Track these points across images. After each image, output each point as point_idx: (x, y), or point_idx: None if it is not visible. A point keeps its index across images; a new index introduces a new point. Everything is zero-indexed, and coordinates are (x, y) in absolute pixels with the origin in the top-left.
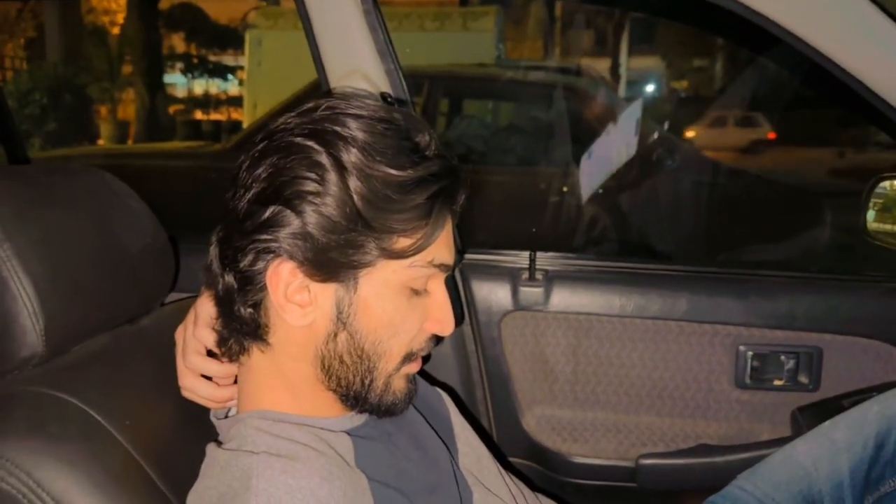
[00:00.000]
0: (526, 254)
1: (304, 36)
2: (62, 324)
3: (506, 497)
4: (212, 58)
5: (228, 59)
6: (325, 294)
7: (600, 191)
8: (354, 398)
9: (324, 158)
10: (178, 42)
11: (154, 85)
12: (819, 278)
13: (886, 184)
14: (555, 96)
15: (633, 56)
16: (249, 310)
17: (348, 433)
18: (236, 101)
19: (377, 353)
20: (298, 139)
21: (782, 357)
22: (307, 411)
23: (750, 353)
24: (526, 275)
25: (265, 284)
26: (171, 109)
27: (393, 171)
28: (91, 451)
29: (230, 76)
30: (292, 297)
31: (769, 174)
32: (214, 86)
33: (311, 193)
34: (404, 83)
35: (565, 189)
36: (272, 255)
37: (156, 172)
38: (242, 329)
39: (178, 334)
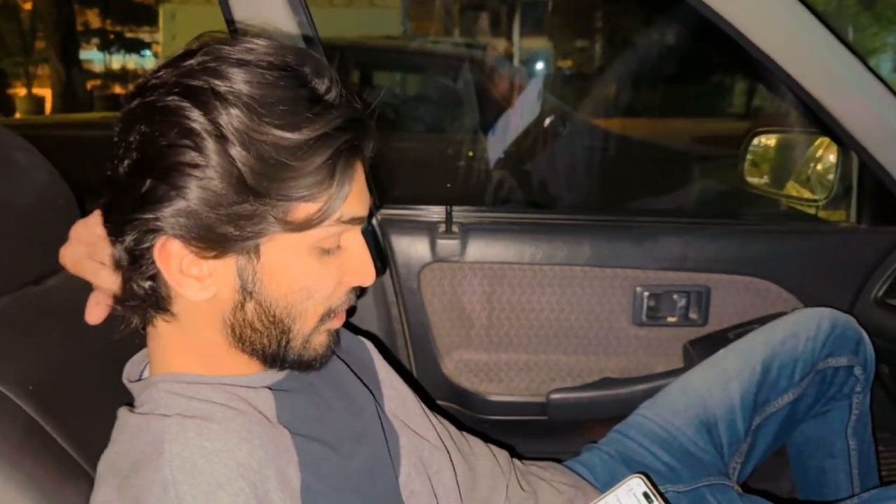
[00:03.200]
0: (442, 208)
1: (215, 8)
2: None
3: (432, 438)
4: (128, 34)
5: (144, 35)
6: (225, 265)
7: (506, 155)
8: (272, 358)
9: (199, 124)
10: (93, 18)
11: (69, 60)
12: (707, 223)
13: (756, 140)
14: (462, 69)
15: (524, 37)
16: (147, 282)
17: (269, 388)
18: None
19: (291, 316)
20: (171, 100)
21: (675, 296)
22: (223, 371)
23: (646, 294)
24: (443, 228)
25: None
26: (89, 85)
27: (285, 134)
28: None
29: (146, 51)
30: (187, 271)
31: (649, 140)
32: (132, 61)
33: (189, 165)
34: (318, 35)
35: (471, 154)
36: (156, 233)
37: (73, 142)
38: (142, 304)
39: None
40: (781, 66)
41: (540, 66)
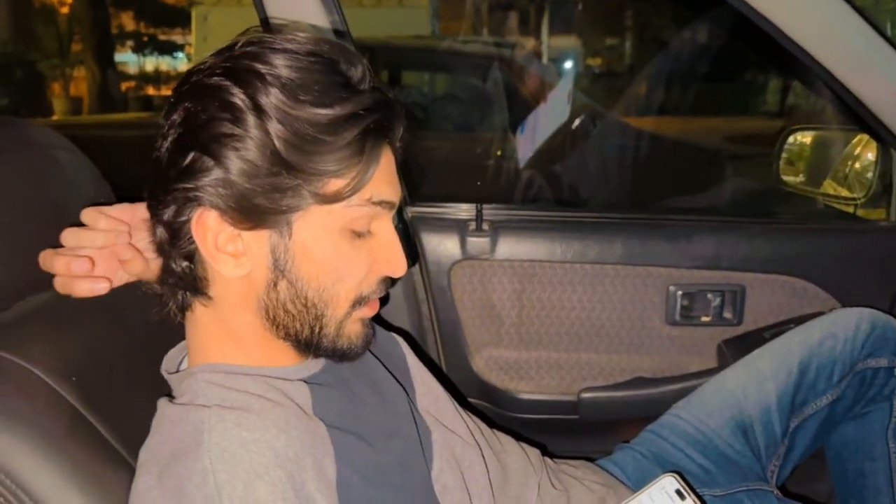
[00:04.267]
0: (472, 206)
1: (246, 10)
2: (1, 279)
3: (464, 434)
4: (161, 36)
5: (177, 37)
6: (259, 242)
7: (535, 154)
8: (306, 345)
9: (239, 99)
10: (127, 21)
11: (105, 62)
12: (742, 222)
13: (792, 138)
14: (491, 68)
15: (553, 35)
16: (184, 262)
17: (305, 381)
18: None
19: (323, 300)
20: (214, 80)
21: (709, 295)
22: (260, 362)
23: (679, 293)
24: (473, 226)
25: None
26: (124, 86)
27: (319, 111)
28: (32, 409)
29: (179, 53)
30: (223, 247)
31: (680, 139)
32: (165, 63)
33: (228, 136)
34: (350, 34)
35: (500, 153)
36: (195, 204)
37: (109, 141)
38: (179, 283)
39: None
40: (819, 62)
41: (569, 64)
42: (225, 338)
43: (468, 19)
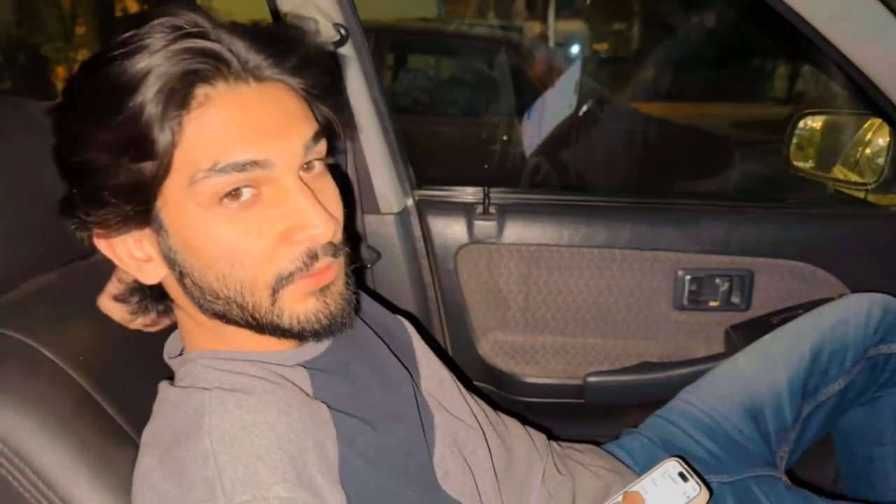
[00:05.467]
0: (479, 190)
1: None
2: (6, 260)
3: (467, 418)
4: None
5: None
6: (150, 243)
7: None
8: (260, 329)
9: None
10: (131, 4)
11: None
12: (751, 206)
13: (802, 122)
14: (498, 52)
15: (559, 20)
16: (133, 281)
17: (303, 366)
18: None
19: (232, 287)
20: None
21: (717, 280)
22: (251, 348)
23: (687, 277)
24: (480, 209)
25: None
26: None
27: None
28: (40, 389)
29: None
30: (134, 255)
31: (687, 124)
32: None
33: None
34: (357, 14)
35: (506, 138)
36: (83, 230)
37: None
38: (144, 296)
39: None
40: (833, 44)
41: (576, 49)
42: (205, 332)
43: (475, 2)
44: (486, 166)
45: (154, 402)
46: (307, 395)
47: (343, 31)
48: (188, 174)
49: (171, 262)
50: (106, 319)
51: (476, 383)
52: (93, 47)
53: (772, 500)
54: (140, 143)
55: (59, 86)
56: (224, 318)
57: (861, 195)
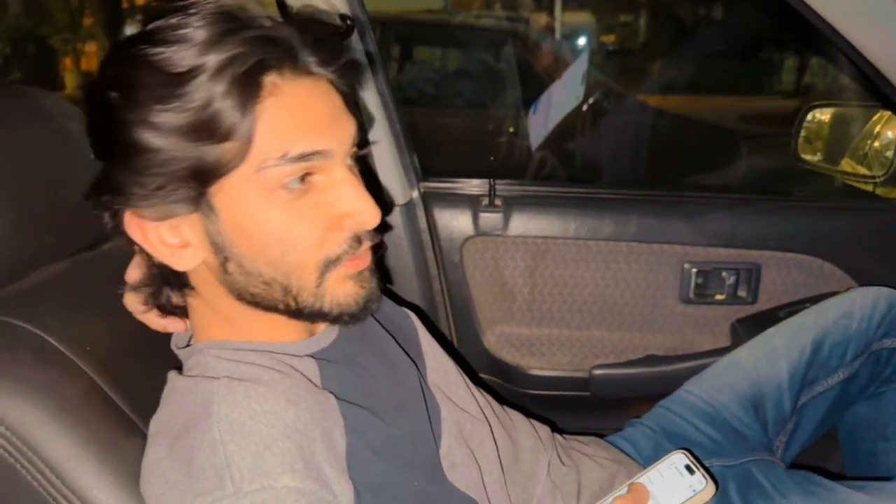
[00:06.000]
0: (485, 182)
1: None
2: (14, 249)
3: (473, 410)
4: None
5: None
6: (194, 228)
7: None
8: (296, 313)
9: (114, 104)
10: None
11: (116, 37)
12: (758, 199)
13: (811, 114)
14: (504, 43)
15: (566, 11)
16: (155, 268)
17: (312, 357)
18: None
19: (281, 272)
20: (98, 92)
21: (724, 273)
22: (262, 338)
23: (694, 270)
24: (486, 201)
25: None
26: None
27: (161, 107)
28: (48, 378)
29: None
30: (168, 241)
31: (694, 117)
32: None
33: (114, 141)
34: (363, 6)
35: (512, 130)
36: (116, 211)
37: None
38: (163, 282)
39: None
40: (843, 35)
41: (582, 41)
42: (220, 321)
43: None
44: (491, 158)
45: (161, 391)
46: (315, 385)
47: (349, 23)
48: (257, 162)
49: (218, 247)
50: (114, 310)
51: (481, 375)
52: (100, 38)
53: (772, 480)
54: (212, 129)
55: (67, 77)
56: (260, 303)
57: (869, 188)
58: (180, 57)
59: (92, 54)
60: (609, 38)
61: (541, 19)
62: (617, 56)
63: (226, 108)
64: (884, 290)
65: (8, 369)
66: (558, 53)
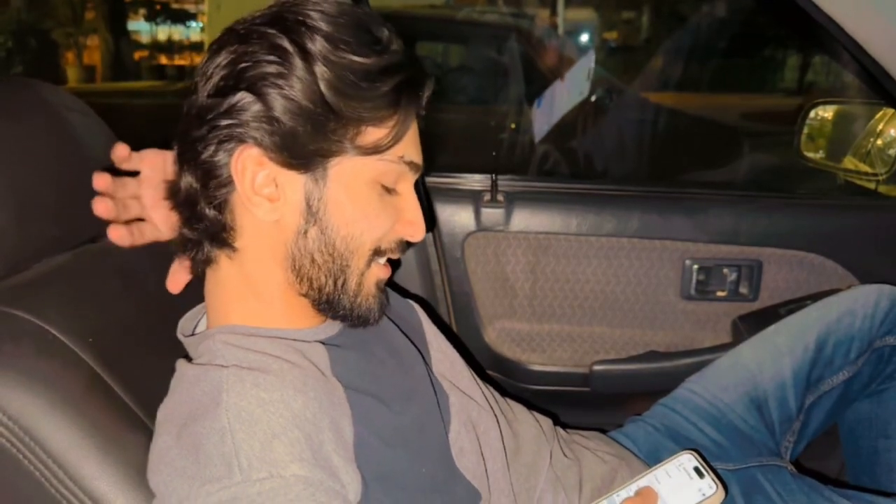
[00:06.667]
0: (487, 177)
1: None
2: (17, 241)
3: (479, 399)
4: (174, 5)
5: (190, 6)
6: (294, 187)
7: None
8: (327, 302)
9: (286, 43)
10: None
11: (118, 30)
12: (761, 196)
13: (813, 112)
14: (507, 39)
15: (568, 8)
16: (213, 210)
17: (322, 342)
18: (199, 47)
19: (350, 249)
20: (260, 27)
21: (725, 270)
22: (279, 323)
23: (696, 267)
24: (488, 196)
25: (230, 177)
26: (137, 55)
27: (358, 59)
28: (50, 370)
29: (192, 22)
30: (260, 189)
31: (696, 115)
32: (178, 32)
33: (275, 76)
34: (367, 1)
35: (514, 126)
36: (236, 141)
37: (122, 109)
38: (207, 231)
39: None
40: (847, 32)
41: (585, 37)
42: (247, 294)
43: None
44: (493, 154)
45: (163, 383)
46: (324, 374)
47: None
48: (386, 153)
49: (311, 211)
50: (116, 302)
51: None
52: (102, 33)
53: (777, 488)
54: (384, 114)
55: (69, 70)
56: (305, 277)
57: (872, 186)
58: (365, 53)
59: (94, 48)
60: (612, 35)
61: (543, 15)
62: (619, 52)
63: (390, 101)
64: (886, 287)
65: (10, 360)
66: (561, 50)
